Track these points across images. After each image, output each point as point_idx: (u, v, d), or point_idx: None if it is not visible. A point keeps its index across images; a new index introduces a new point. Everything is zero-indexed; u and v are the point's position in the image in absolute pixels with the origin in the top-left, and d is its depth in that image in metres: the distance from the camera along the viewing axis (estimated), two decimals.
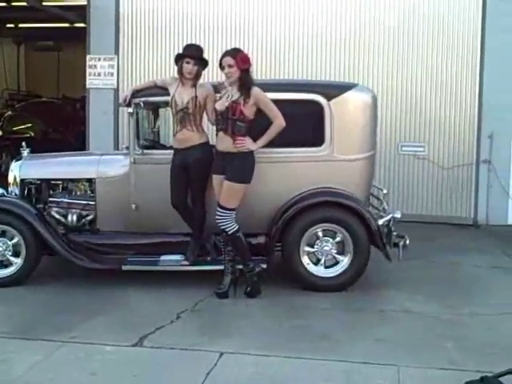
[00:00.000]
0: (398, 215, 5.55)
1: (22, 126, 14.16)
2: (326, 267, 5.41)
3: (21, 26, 16.42)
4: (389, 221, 5.52)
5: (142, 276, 5.47)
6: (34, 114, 15.08)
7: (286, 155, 5.39)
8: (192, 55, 5.27)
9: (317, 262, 5.42)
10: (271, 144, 5.14)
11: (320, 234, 5.38)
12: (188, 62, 5.25)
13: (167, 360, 3.92)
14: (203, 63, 5.35)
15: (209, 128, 5.50)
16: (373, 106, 5.62)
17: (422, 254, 6.58)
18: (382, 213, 5.69)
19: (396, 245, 5.56)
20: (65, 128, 15.93)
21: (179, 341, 4.21)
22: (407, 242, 5.59)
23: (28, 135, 13.56)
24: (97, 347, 4.09)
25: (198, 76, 5.31)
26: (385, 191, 5.82)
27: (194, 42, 8.12)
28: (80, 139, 12.18)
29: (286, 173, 5.40)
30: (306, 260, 5.38)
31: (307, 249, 5.38)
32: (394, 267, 5.64)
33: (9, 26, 16.48)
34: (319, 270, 5.39)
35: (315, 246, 5.40)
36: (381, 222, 5.44)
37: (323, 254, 5.39)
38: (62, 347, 4.08)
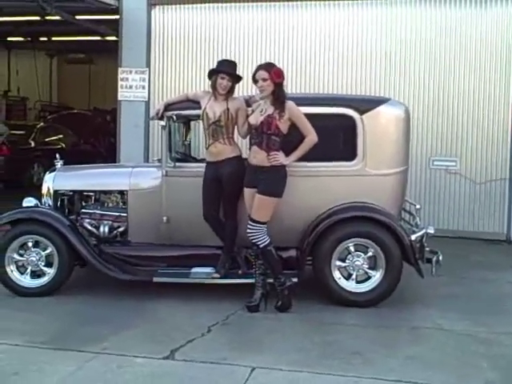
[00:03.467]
0: (431, 230, 5.48)
1: (54, 138, 14.41)
2: (358, 282, 5.36)
3: (54, 39, 16.71)
4: (422, 236, 5.45)
5: (173, 288, 5.48)
6: (65, 126, 15.35)
7: (318, 169, 5.37)
8: (227, 71, 5.30)
9: (348, 277, 5.37)
10: (303, 158, 5.14)
11: (352, 248, 5.33)
12: (223, 78, 5.27)
13: (199, 374, 3.91)
14: (237, 78, 5.37)
15: (240, 141, 5.52)
16: (406, 120, 5.57)
17: (455, 271, 6.49)
18: (415, 228, 5.62)
19: (429, 260, 5.48)
20: (95, 139, 16.19)
21: (210, 354, 4.20)
22: (440, 257, 5.52)
23: (59, 146, 13.80)
24: (128, 359, 4.10)
25: (231, 91, 5.33)
26: (418, 206, 5.75)
27: (224, 56, 8.26)
28: (110, 151, 12.37)
29: (318, 187, 5.38)
30: (337, 274, 5.34)
31: (339, 263, 5.34)
32: (426, 283, 5.57)
33: (42, 39, 16.79)
34: (350, 285, 5.34)
35: (347, 261, 5.35)
36: (413, 237, 5.37)
37: (355, 269, 5.35)
38: (93, 358, 4.10)
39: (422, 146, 8.71)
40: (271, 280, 5.18)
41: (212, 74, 5.37)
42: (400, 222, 5.71)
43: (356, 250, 5.34)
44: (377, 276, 5.31)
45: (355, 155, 5.38)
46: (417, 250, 5.34)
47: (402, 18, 8.78)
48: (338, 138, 5.44)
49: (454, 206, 8.74)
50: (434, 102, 8.73)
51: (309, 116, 5.06)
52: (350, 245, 5.32)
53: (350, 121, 5.35)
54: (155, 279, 5.42)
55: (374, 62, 8.82)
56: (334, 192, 5.36)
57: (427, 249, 5.51)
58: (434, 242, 5.70)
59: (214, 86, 5.33)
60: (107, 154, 13.90)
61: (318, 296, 5.40)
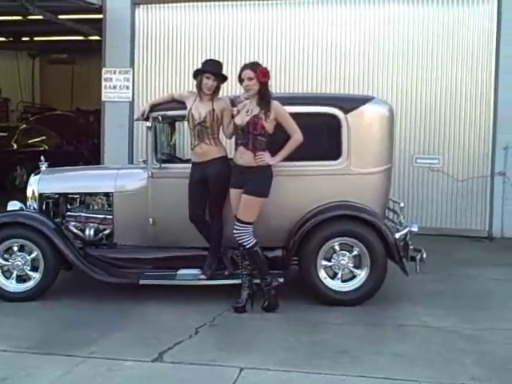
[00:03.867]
0: (414, 228, 5.54)
1: (37, 139, 14.31)
2: (343, 281, 5.40)
3: (36, 39, 16.58)
4: (406, 234, 5.51)
5: (160, 290, 5.48)
6: (48, 127, 15.24)
7: (302, 169, 5.40)
8: (212, 71, 5.31)
9: (334, 276, 5.41)
10: (289, 157, 5.16)
11: (337, 247, 5.38)
12: (208, 78, 5.28)
13: (188, 375, 3.93)
14: (222, 78, 5.38)
15: (225, 141, 5.53)
16: (390, 119, 5.63)
17: (439, 268, 6.57)
18: (399, 226, 5.68)
19: (413, 258, 5.54)
20: (78, 141, 16.11)
21: (199, 356, 4.21)
22: (424, 255, 5.58)
23: (42, 148, 13.70)
24: (117, 362, 4.10)
25: (216, 91, 5.34)
26: (402, 204, 5.81)
27: (209, 56, 8.26)
28: (93, 152, 12.31)
29: (303, 186, 5.41)
30: (322, 274, 5.38)
31: (324, 263, 5.38)
32: (411, 281, 5.63)
33: (24, 39, 16.64)
34: (336, 284, 5.38)
35: (332, 260, 5.39)
36: (398, 235, 5.43)
37: (340, 268, 5.39)
38: (82, 362, 4.10)
39: (406, 143, 8.80)
40: (258, 280, 5.21)
41: (197, 74, 5.37)
42: (384, 220, 5.76)
43: (341, 249, 5.38)
44: (362, 275, 5.35)
45: (340, 154, 5.41)
46: (401, 248, 5.39)
47: (384, 16, 8.87)
48: (322, 137, 5.47)
49: (436, 204, 8.84)
50: (417, 100, 8.82)
51: (294, 115, 5.09)
52: (335, 244, 5.37)
53: (335, 120, 5.39)
54: (142, 281, 5.41)
55: (356, 61, 8.89)
56: (320, 191, 5.39)
57: (411, 247, 5.56)
58: (418, 240, 5.76)
59: (199, 86, 5.34)
60: (90, 155, 13.84)
61: (305, 296, 5.43)
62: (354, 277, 5.39)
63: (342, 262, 5.38)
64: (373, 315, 5.12)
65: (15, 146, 13.40)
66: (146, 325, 4.92)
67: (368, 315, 5.13)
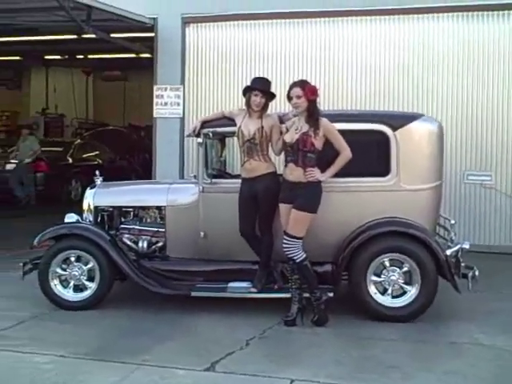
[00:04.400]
0: (466, 246, 5.50)
1: (91, 154, 14.72)
2: (394, 297, 5.39)
3: (90, 56, 17.12)
4: (457, 251, 5.47)
5: (211, 302, 5.58)
6: (101, 142, 15.67)
7: (352, 185, 5.44)
8: (260, 88, 5.43)
9: (384, 292, 5.40)
10: (338, 174, 5.22)
11: (387, 263, 5.38)
12: (256, 95, 5.40)
13: None
14: (271, 96, 5.49)
15: (274, 157, 5.62)
16: (439, 135, 5.62)
17: (491, 286, 6.46)
18: (450, 243, 5.64)
19: (465, 276, 5.48)
20: (131, 155, 16.48)
21: (249, 367, 4.28)
22: (476, 272, 5.51)
23: (96, 162, 14.11)
24: (170, 371, 4.21)
25: (265, 108, 5.45)
26: (452, 221, 5.77)
27: (257, 74, 8.40)
28: (145, 167, 12.60)
29: (353, 202, 5.45)
30: (372, 289, 5.38)
31: (374, 278, 5.38)
32: (463, 299, 5.56)
33: (79, 56, 17.21)
34: (386, 300, 5.38)
35: (382, 276, 5.40)
36: (449, 252, 5.39)
37: (390, 284, 5.38)
38: (136, 370, 4.23)
39: (456, 160, 8.70)
40: (307, 294, 5.25)
41: (246, 91, 5.50)
42: (435, 237, 5.74)
43: (391, 265, 5.37)
44: (412, 291, 5.33)
45: (389, 171, 5.44)
46: (452, 266, 5.35)
47: (430, 32, 8.84)
48: (371, 154, 5.50)
49: (489, 221, 8.70)
50: (468, 115, 8.74)
51: (343, 132, 5.16)
52: (385, 260, 5.37)
53: (384, 137, 5.42)
54: (193, 293, 5.52)
55: (405, 78, 8.87)
56: (369, 207, 5.42)
57: (463, 264, 5.51)
58: (469, 258, 5.70)
59: (248, 104, 5.46)
60: (142, 169, 14.16)
61: (355, 311, 5.45)
62: (404, 293, 5.38)
63: (392, 277, 5.37)
64: (424, 332, 5.10)
65: (70, 161, 13.85)
66: (197, 335, 5.03)
67: (419, 332, 5.10)
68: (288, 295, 5.33)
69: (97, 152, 14.99)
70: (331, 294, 5.32)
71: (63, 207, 6.24)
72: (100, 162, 14.42)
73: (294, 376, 4.10)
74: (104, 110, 21.13)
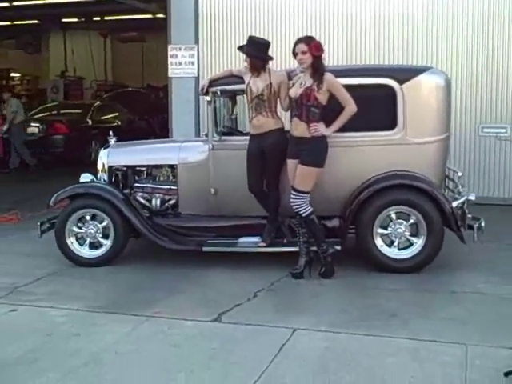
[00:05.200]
0: (472, 197, 5.54)
1: (110, 116, 14.86)
2: (400, 249, 5.49)
3: (106, 18, 17.12)
4: (463, 203, 5.52)
5: (221, 257, 5.74)
6: (120, 104, 15.78)
7: (358, 139, 5.48)
8: (244, 52, 5.53)
9: (390, 244, 5.49)
10: (344, 128, 5.26)
11: (393, 216, 5.45)
12: (246, 60, 5.52)
13: (243, 335, 4.17)
14: (261, 58, 5.49)
15: (282, 113, 5.68)
16: (446, 88, 5.60)
17: (500, 237, 6.50)
18: (457, 195, 5.68)
19: (471, 227, 5.54)
20: (149, 116, 16.58)
21: (255, 317, 4.44)
22: (482, 224, 5.57)
23: (115, 124, 14.26)
24: (178, 322, 4.40)
25: (257, 68, 5.46)
26: (460, 174, 5.79)
27: (270, 31, 8.37)
28: (164, 127, 12.71)
29: (359, 156, 5.49)
30: (379, 242, 5.48)
31: (381, 231, 5.47)
32: (468, 250, 5.64)
33: (95, 19, 17.22)
34: (393, 252, 5.48)
35: (389, 228, 5.48)
36: (455, 204, 5.44)
37: (397, 236, 5.47)
38: (146, 321, 4.42)
39: (471, 113, 8.61)
40: (314, 248, 5.37)
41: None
42: (443, 189, 5.78)
43: (398, 218, 5.45)
44: (419, 243, 5.41)
45: (395, 124, 5.45)
46: (458, 217, 5.41)
47: None
48: (378, 108, 5.49)
49: (504, 174, 8.64)
50: (483, 67, 8.59)
51: (349, 87, 5.17)
52: (392, 212, 5.44)
53: (390, 90, 5.42)
54: (205, 249, 5.69)
55: (417, 30, 8.72)
56: (375, 161, 5.47)
57: (469, 215, 5.57)
58: (484, 210, 5.74)
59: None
60: (161, 130, 14.27)
61: (362, 263, 5.56)
62: (410, 245, 5.46)
63: (399, 230, 5.46)
64: (427, 282, 5.20)
65: (90, 122, 13.99)
66: (207, 288, 5.20)
67: (423, 282, 5.21)
68: (296, 249, 5.46)
69: (116, 113, 15.10)
70: (338, 247, 5.44)
71: (83, 168, 6.37)
72: (119, 123, 14.56)
73: (297, 325, 4.24)
74: (123, 71, 21.22)
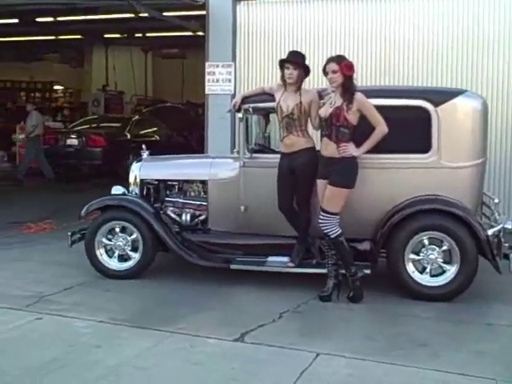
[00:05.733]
0: (509, 225, 5.37)
1: (148, 130, 14.99)
2: (432, 276, 5.33)
3: (148, 34, 17.40)
4: (499, 231, 5.34)
5: (249, 275, 5.67)
6: (159, 119, 15.93)
7: (391, 161, 5.38)
8: (291, 60, 5.43)
9: (422, 271, 5.35)
10: (377, 150, 5.18)
11: (426, 241, 5.31)
12: (288, 68, 5.41)
13: (265, 356, 4.09)
14: (305, 69, 5.46)
15: (315, 133, 5.62)
16: (483, 112, 5.47)
17: None
18: (493, 223, 5.51)
19: (507, 256, 5.36)
20: (188, 132, 16.69)
21: (279, 339, 4.35)
22: None
23: (153, 138, 14.40)
24: (201, 339, 4.34)
25: (298, 81, 5.43)
26: (496, 200, 5.63)
27: (307, 51, 8.34)
28: (202, 143, 12.76)
29: (392, 179, 5.39)
30: (411, 268, 5.34)
31: (412, 256, 5.33)
32: (504, 279, 5.44)
33: (137, 35, 17.52)
34: (424, 279, 5.32)
35: (421, 254, 5.34)
36: (490, 232, 5.27)
37: (429, 263, 5.32)
38: (169, 337, 4.38)
39: (507, 137, 8.40)
40: (343, 271, 5.27)
41: (281, 65, 5.51)
42: (479, 216, 5.62)
43: (430, 244, 5.31)
44: (452, 270, 5.25)
45: (430, 147, 5.34)
46: (494, 246, 5.23)
47: (478, 7, 8.49)
48: (412, 130, 5.39)
49: None
50: None
51: (382, 108, 5.09)
52: (424, 238, 5.30)
53: (425, 113, 5.32)
54: (232, 266, 5.64)
55: (451, 54, 8.57)
56: (408, 184, 5.35)
57: (506, 244, 5.39)
58: None
59: (283, 78, 5.48)
60: (199, 146, 14.34)
61: (392, 289, 5.42)
62: (443, 272, 5.31)
63: (431, 256, 5.31)
64: (460, 312, 5.03)
65: (128, 136, 14.14)
66: (232, 307, 5.15)
67: (455, 311, 5.04)
68: (324, 271, 5.36)
69: (154, 128, 15.23)
70: (368, 271, 5.32)
71: (119, 181, 6.41)
72: (157, 138, 14.69)
73: (320, 350, 4.14)
74: (163, 87, 21.49)
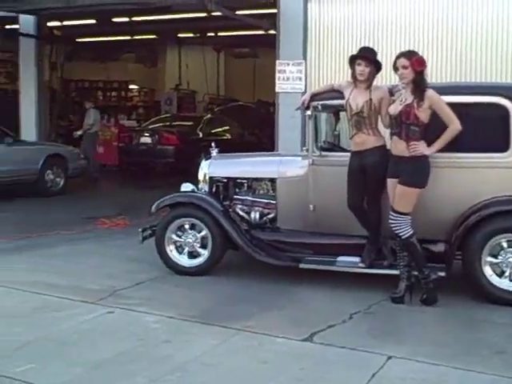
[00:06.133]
0: None
1: (220, 129, 15.09)
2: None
3: (220, 34, 17.54)
4: None
5: (318, 275, 5.59)
6: (231, 118, 16.03)
7: (467, 160, 5.17)
8: (363, 56, 5.30)
9: (501, 274, 5.11)
10: (452, 148, 4.99)
11: (504, 244, 5.07)
12: (360, 64, 5.28)
13: (335, 357, 4.01)
14: (376, 66, 5.33)
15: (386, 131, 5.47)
16: None
17: None
18: None
19: None
20: (259, 131, 16.70)
21: (349, 340, 4.26)
22: None
23: (225, 137, 14.50)
24: (269, 338, 4.30)
25: (370, 78, 5.30)
26: None
27: (380, 48, 8.17)
28: (273, 141, 12.75)
29: (468, 179, 5.18)
30: (488, 271, 5.11)
31: (490, 259, 5.10)
32: None
33: (209, 34, 17.69)
34: (503, 283, 5.08)
35: (499, 257, 5.10)
36: None
37: (508, 266, 5.08)
38: (237, 334, 4.37)
39: None
40: (416, 272, 5.11)
41: (351, 62, 5.38)
42: None
43: (509, 247, 5.07)
44: None
45: (508, 146, 5.09)
46: None
47: None
48: (488, 128, 5.15)
49: None
50: None
51: (457, 105, 4.90)
52: (503, 240, 5.06)
53: (503, 110, 5.07)
54: (301, 265, 5.57)
55: None
56: (485, 184, 5.13)
57: None
58: None
59: (353, 75, 5.36)
60: (270, 144, 14.34)
61: (467, 292, 5.22)
62: None
63: (510, 259, 5.07)
64: None
65: (200, 135, 14.29)
66: (301, 306, 5.09)
67: None
68: (396, 272, 5.21)
69: (226, 127, 15.32)
70: (442, 274, 5.13)
71: (192, 179, 6.47)
72: (229, 136, 14.78)
73: (392, 353, 4.02)
74: (235, 86, 21.60)
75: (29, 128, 13.25)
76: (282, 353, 4.08)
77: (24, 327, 4.53)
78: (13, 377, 3.70)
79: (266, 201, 6.08)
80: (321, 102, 5.63)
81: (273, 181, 6.04)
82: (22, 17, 12.87)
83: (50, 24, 13.86)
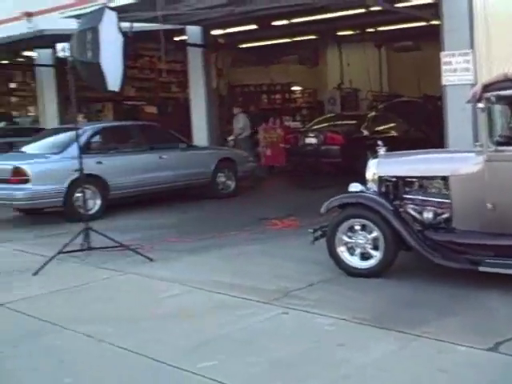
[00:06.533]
0: None
1: (385, 126, 14.75)
2: None
3: (379, 29, 17.19)
4: None
5: (497, 279, 5.24)
6: (396, 114, 15.62)
7: None
8: None
9: None
10: None
11: None
12: None
13: None
14: None
15: None
16: None
17: None
18: None
19: None
20: (427, 126, 16.09)
21: None
22: None
23: (391, 135, 14.16)
24: (449, 346, 4.11)
25: None
26: None
27: None
28: (442, 138, 12.20)
29: None
30: None
31: None
32: None
33: (369, 30, 17.41)
34: None
35: None
36: None
37: None
38: (414, 341, 4.23)
39: None
40: None
41: None
42: None
43: None
44: None
45: None
46: None
47: None
48: None
49: None
50: None
51: None
52: None
53: None
54: (481, 268, 5.24)
55: None
56: None
57: None
58: None
59: None
60: (438, 140, 13.75)
61: None
62: None
63: None
64: None
65: (365, 133, 14.09)
66: (480, 313, 4.79)
67: None
68: None
69: (391, 124, 14.95)
70: None
71: (358, 178, 6.41)
72: (395, 134, 14.41)
73: None
74: (398, 81, 21.04)
75: (200, 133, 13.99)
76: (464, 362, 3.88)
77: (204, 325, 4.77)
78: (194, 372, 3.89)
79: (438, 200, 5.83)
80: (494, 93, 5.28)
81: (445, 179, 5.77)
82: (188, 28, 13.62)
83: (213, 32, 14.52)
